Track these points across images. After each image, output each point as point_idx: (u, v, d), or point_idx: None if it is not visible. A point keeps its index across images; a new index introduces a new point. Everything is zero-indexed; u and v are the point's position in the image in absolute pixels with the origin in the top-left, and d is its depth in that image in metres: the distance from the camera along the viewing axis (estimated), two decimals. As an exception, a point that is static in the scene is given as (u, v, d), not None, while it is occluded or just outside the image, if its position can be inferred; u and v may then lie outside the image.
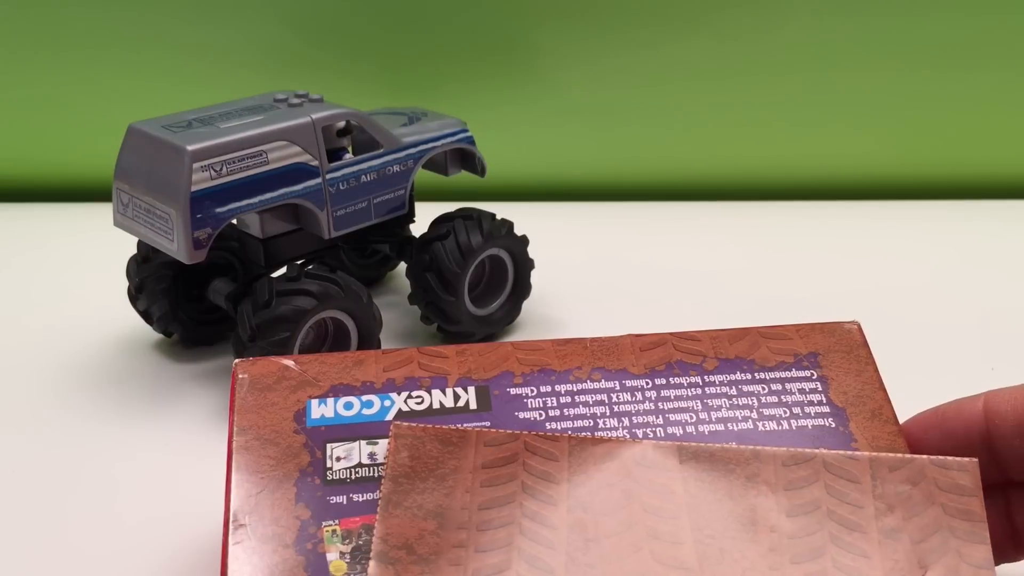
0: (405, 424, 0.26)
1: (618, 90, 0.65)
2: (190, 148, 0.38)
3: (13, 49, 0.64)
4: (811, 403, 0.29)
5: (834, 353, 0.30)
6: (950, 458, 0.26)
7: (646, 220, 0.64)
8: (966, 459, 0.26)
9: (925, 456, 0.26)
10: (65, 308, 0.51)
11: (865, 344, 0.30)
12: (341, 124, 0.43)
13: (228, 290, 0.44)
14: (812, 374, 0.29)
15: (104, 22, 0.63)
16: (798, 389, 0.29)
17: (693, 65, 0.65)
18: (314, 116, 0.42)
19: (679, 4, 0.63)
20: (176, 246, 0.39)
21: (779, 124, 0.67)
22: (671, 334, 0.30)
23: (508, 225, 0.47)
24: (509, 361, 0.29)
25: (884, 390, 0.29)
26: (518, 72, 0.65)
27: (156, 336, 0.48)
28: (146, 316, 0.46)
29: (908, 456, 0.26)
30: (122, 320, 0.49)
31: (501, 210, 0.49)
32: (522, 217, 0.52)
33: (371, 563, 0.24)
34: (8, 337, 0.49)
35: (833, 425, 0.28)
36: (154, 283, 0.45)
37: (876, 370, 0.29)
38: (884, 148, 0.67)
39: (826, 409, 0.28)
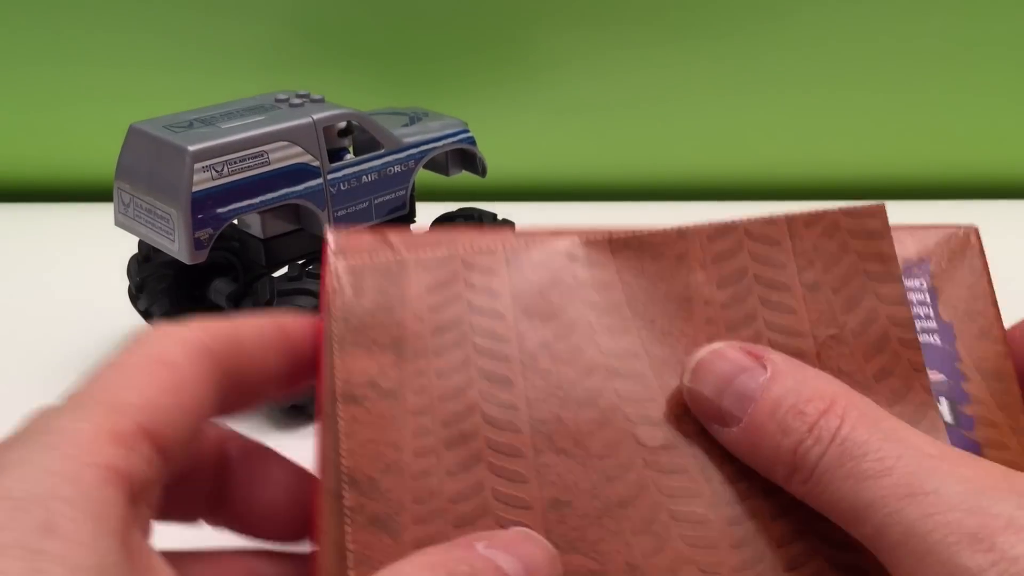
0: (342, 261, 0.25)
1: (618, 90, 0.65)
2: (191, 148, 0.38)
3: (14, 49, 0.64)
4: (917, 317, 0.27)
5: (947, 260, 0.28)
6: (859, 205, 0.26)
7: (646, 220, 0.63)
8: (873, 203, 0.26)
9: (837, 208, 0.26)
10: (65, 308, 0.51)
11: (982, 252, 0.28)
12: (342, 124, 0.43)
13: (229, 290, 0.44)
14: (922, 283, 0.28)
15: (105, 22, 0.63)
16: None
17: (693, 65, 0.65)
18: (315, 116, 0.42)
19: (680, 5, 0.63)
20: (177, 246, 0.39)
21: (779, 124, 0.67)
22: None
23: (509, 225, 0.47)
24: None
25: (996, 306, 0.27)
26: (519, 72, 0.65)
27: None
28: (146, 316, 0.46)
29: (821, 211, 0.26)
30: (122, 320, 0.49)
31: (502, 210, 0.49)
32: (523, 217, 0.52)
33: (339, 406, 0.23)
34: (8, 337, 0.49)
35: (939, 343, 0.27)
36: (155, 283, 0.45)
37: (989, 282, 0.28)
38: (886, 148, 0.68)
39: (933, 325, 0.27)
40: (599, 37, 0.64)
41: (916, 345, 0.25)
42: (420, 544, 0.22)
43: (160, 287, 0.45)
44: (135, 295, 0.46)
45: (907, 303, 0.26)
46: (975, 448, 0.25)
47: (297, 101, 0.43)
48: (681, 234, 0.26)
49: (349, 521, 0.23)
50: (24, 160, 0.68)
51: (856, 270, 0.26)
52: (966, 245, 0.28)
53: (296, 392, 0.25)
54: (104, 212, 0.47)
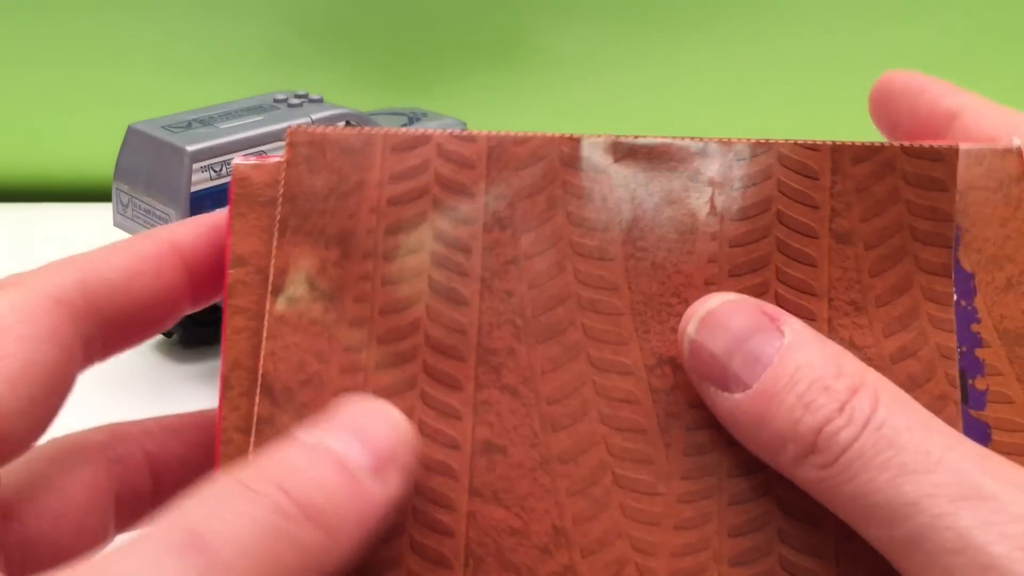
0: (302, 129, 0.22)
1: (619, 90, 0.65)
2: (190, 149, 0.38)
3: (13, 49, 0.64)
4: None
5: (978, 190, 0.22)
6: (927, 144, 0.22)
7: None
8: (945, 145, 0.22)
9: (898, 143, 0.22)
10: (65, 308, 0.51)
11: (1022, 178, 0.23)
12: (341, 124, 0.43)
13: (228, 290, 0.44)
14: None
15: (104, 22, 0.63)
16: None
17: (695, 64, 0.65)
18: (314, 116, 0.42)
19: (681, 4, 0.63)
20: (176, 246, 0.39)
21: (782, 124, 0.67)
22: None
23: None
24: None
25: None
26: (518, 72, 0.65)
27: (156, 336, 0.48)
28: (146, 316, 0.46)
29: (877, 144, 0.22)
30: (122, 320, 0.49)
31: (501, 210, 0.49)
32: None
33: (269, 300, 0.21)
34: (8, 337, 0.48)
35: (954, 298, 0.22)
36: (154, 283, 0.45)
37: None
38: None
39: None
40: (599, 37, 0.64)
41: (951, 326, 0.21)
42: None
43: (159, 287, 0.45)
44: (134, 295, 0.46)
45: (951, 275, 0.21)
46: (983, 430, 0.21)
47: (296, 101, 0.43)
48: (702, 151, 0.22)
49: (256, 433, 0.20)
50: (24, 160, 0.68)
51: (900, 224, 0.22)
52: (1004, 168, 0.23)
53: (205, 304, 0.23)
54: (103, 212, 0.47)
